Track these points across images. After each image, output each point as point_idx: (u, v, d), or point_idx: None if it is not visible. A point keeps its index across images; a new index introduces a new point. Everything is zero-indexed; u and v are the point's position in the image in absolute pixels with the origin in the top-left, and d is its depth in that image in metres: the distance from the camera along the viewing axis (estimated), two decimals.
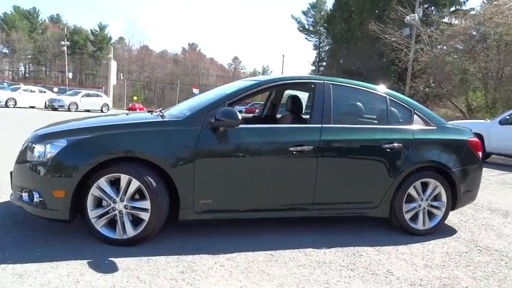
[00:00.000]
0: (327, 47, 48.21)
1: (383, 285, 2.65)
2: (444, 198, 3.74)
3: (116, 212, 2.92)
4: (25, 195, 2.97)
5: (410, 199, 3.66)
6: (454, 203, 3.80)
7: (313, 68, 50.92)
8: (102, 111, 24.84)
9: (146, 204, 2.92)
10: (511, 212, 4.88)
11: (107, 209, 2.91)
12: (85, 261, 2.65)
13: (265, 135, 3.28)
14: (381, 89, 3.82)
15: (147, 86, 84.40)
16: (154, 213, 2.92)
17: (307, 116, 3.63)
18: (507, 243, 3.67)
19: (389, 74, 27.86)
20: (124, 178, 2.89)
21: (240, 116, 3.02)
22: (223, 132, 3.11)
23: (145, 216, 2.93)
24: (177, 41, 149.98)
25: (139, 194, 2.95)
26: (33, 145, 3.01)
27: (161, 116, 3.37)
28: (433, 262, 3.10)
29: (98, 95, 26.77)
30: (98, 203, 2.95)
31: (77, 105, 23.77)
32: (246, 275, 2.64)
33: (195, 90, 57.03)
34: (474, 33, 19.09)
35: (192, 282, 2.48)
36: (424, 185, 3.69)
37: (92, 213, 2.91)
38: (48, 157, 2.89)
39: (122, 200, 2.91)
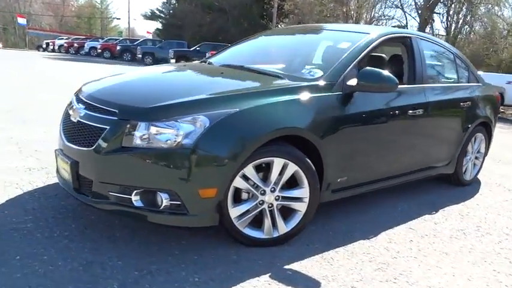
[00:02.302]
0: None
1: None
2: (483, 149, 4.07)
3: (265, 205, 2.23)
4: (136, 199, 2.00)
5: (465, 153, 3.85)
6: (486, 153, 4.18)
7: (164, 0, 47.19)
8: None
9: (302, 192, 2.31)
10: (496, 157, 5.41)
11: (253, 204, 2.20)
12: (266, 277, 2.00)
13: (395, 98, 2.89)
14: (448, 43, 3.77)
15: None
16: (312, 202, 2.35)
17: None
18: None
19: (253, 12, 27.79)
20: (278, 163, 2.19)
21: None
22: (360, 97, 2.60)
23: (301, 206, 2.33)
24: None
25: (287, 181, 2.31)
26: (135, 123, 1.99)
27: (280, 76, 2.61)
28: None
29: None
30: (237, 197, 2.21)
31: None
32: (435, 259, 2.40)
33: (20, 20, 46.69)
34: None
35: (410, 281, 2.13)
36: (474, 139, 3.93)
37: (234, 211, 2.16)
38: (178, 141, 1.96)
39: (272, 191, 2.23)
